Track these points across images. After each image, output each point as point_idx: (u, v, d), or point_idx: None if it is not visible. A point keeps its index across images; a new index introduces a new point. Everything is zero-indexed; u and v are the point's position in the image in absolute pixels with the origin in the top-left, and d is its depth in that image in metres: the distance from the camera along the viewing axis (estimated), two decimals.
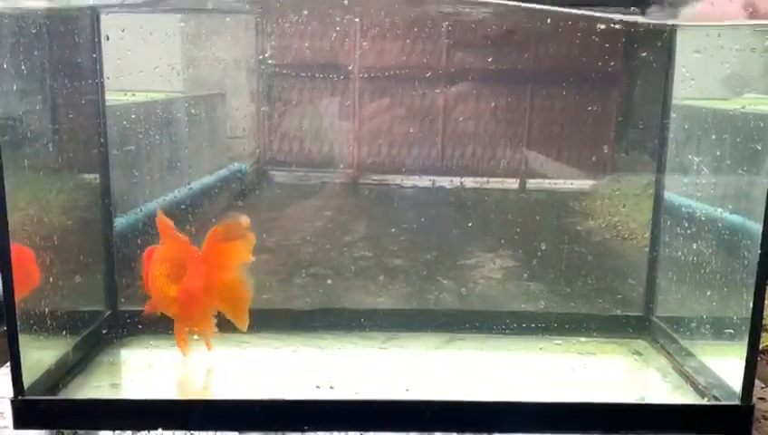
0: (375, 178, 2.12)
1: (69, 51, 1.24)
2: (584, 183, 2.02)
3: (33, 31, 1.11)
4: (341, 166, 2.09)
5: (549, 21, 1.34)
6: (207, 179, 1.76)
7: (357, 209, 2.05)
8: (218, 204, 1.65)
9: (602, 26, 1.31)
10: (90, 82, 1.28)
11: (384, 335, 1.39)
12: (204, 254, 1.18)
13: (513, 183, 2.11)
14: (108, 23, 1.26)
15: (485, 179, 2.04)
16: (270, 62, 1.78)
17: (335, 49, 1.64)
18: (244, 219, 1.17)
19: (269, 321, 1.42)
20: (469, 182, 2.05)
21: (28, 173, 1.12)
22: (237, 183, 2.01)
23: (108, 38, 1.25)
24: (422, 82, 2.00)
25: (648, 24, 1.22)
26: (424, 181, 2.10)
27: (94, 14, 1.26)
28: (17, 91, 1.08)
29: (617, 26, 1.22)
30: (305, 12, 1.43)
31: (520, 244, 1.76)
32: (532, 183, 2.09)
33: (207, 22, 1.53)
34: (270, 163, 2.14)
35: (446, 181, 2.07)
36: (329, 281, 1.68)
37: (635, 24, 1.21)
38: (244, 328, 1.17)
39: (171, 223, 1.17)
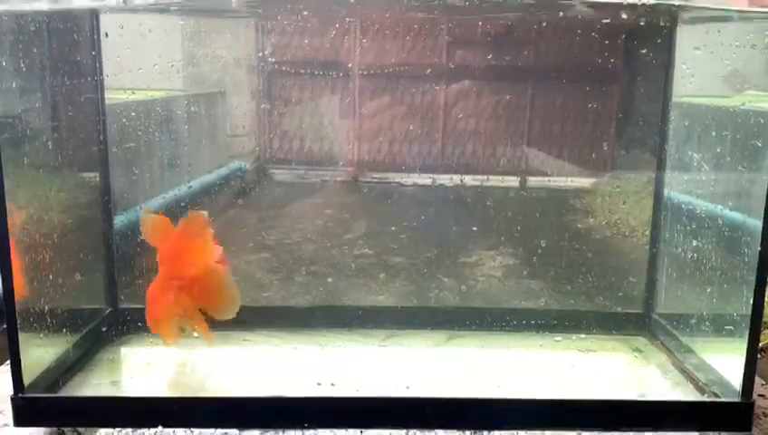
0: (375, 175, 2.11)
1: (68, 49, 1.23)
2: (585, 181, 2.02)
3: (32, 29, 1.11)
4: (342, 164, 2.08)
5: (549, 17, 1.34)
6: (208, 177, 1.75)
7: (357, 207, 2.04)
8: (219, 202, 1.65)
9: (603, 22, 1.31)
10: (89, 80, 1.27)
11: (384, 333, 1.39)
12: (163, 255, 1.16)
13: (513, 181, 2.11)
14: (107, 21, 1.26)
15: (486, 177, 2.04)
16: (270, 59, 1.78)
17: (335, 46, 1.64)
18: (203, 214, 1.16)
19: (270, 318, 1.42)
20: (469, 180, 2.04)
21: (28, 171, 1.12)
22: (238, 181, 2.01)
23: (107, 35, 1.25)
24: (422, 80, 2.00)
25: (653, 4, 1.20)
26: (424, 179, 2.10)
27: (94, 12, 1.25)
28: (17, 89, 1.08)
29: (623, 16, 1.21)
30: (305, 11, 1.43)
31: (520, 241, 1.76)
32: (533, 181, 2.08)
33: (207, 20, 1.53)
34: (270, 161, 2.13)
35: (446, 179, 2.07)
36: (329, 279, 1.68)
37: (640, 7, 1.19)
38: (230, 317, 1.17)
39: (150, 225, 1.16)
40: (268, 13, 1.56)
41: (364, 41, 1.66)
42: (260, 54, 1.73)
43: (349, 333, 1.39)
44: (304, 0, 1.34)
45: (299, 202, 2.06)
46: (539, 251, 1.59)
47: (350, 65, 1.76)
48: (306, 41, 1.61)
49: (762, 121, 1.06)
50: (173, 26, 1.40)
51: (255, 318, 1.38)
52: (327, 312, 1.47)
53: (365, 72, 1.79)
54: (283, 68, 1.92)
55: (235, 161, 2.02)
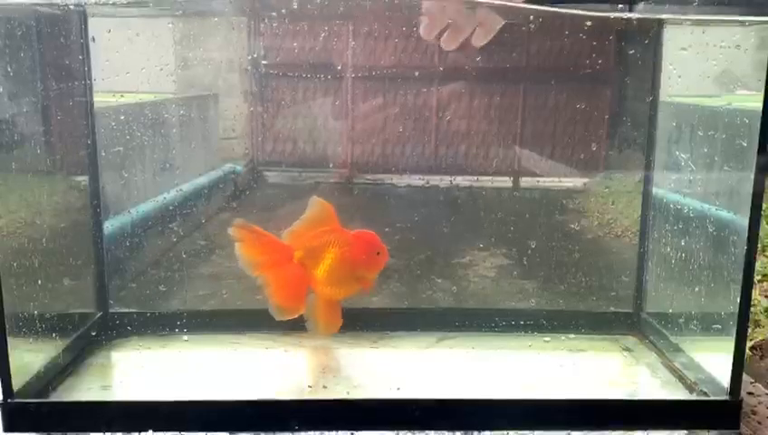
0: (369, 177, 2.11)
1: (57, 52, 1.23)
2: (577, 181, 2.02)
3: (19, 33, 1.11)
4: (335, 165, 2.09)
5: (540, 20, 1.35)
6: (200, 180, 1.75)
7: (351, 209, 2.04)
8: (211, 204, 1.65)
9: (592, 25, 1.31)
10: (77, 84, 1.27)
11: (376, 335, 1.40)
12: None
13: (506, 182, 2.11)
14: (95, 23, 1.26)
15: (478, 178, 2.04)
16: (263, 62, 1.78)
17: (328, 48, 1.64)
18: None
19: (261, 321, 1.42)
20: (462, 181, 2.04)
21: (17, 176, 1.12)
22: (231, 184, 2.01)
23: (93, 39, 1.25)
24: (414, 81, 2.00)
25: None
26: (417, 180, 2.10)
27: (82, 14, 1.25)
28: (4, 93, 1.08)
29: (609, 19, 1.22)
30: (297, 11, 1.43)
31: (513, 242, 1.76)
32: (525, 181, 2.09)
33: (199, 22, 1.53)
34: (263, 163, 2.13)
35: (439, 180, 2.07)
36: None
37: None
38: None
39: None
40: (260, 14, 1.56)
41: (352, 43, 1.66)
42: (250, 57, 1.73)
43: (341, 336, 1.39)
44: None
45: (292, 204, 2.06)
46: (529, 252, 1.60)
47: (342, 67, 1.76)
48: (299, 43, 1.61)
49: (747, 121, 1.07)
50: (164, 29, 1.39)
51: (246, 321, 1.38)
52: None
53: (358, 74, 1.79)
54: (276, 70, 1.92)
55: (228, 164, 2.02)
